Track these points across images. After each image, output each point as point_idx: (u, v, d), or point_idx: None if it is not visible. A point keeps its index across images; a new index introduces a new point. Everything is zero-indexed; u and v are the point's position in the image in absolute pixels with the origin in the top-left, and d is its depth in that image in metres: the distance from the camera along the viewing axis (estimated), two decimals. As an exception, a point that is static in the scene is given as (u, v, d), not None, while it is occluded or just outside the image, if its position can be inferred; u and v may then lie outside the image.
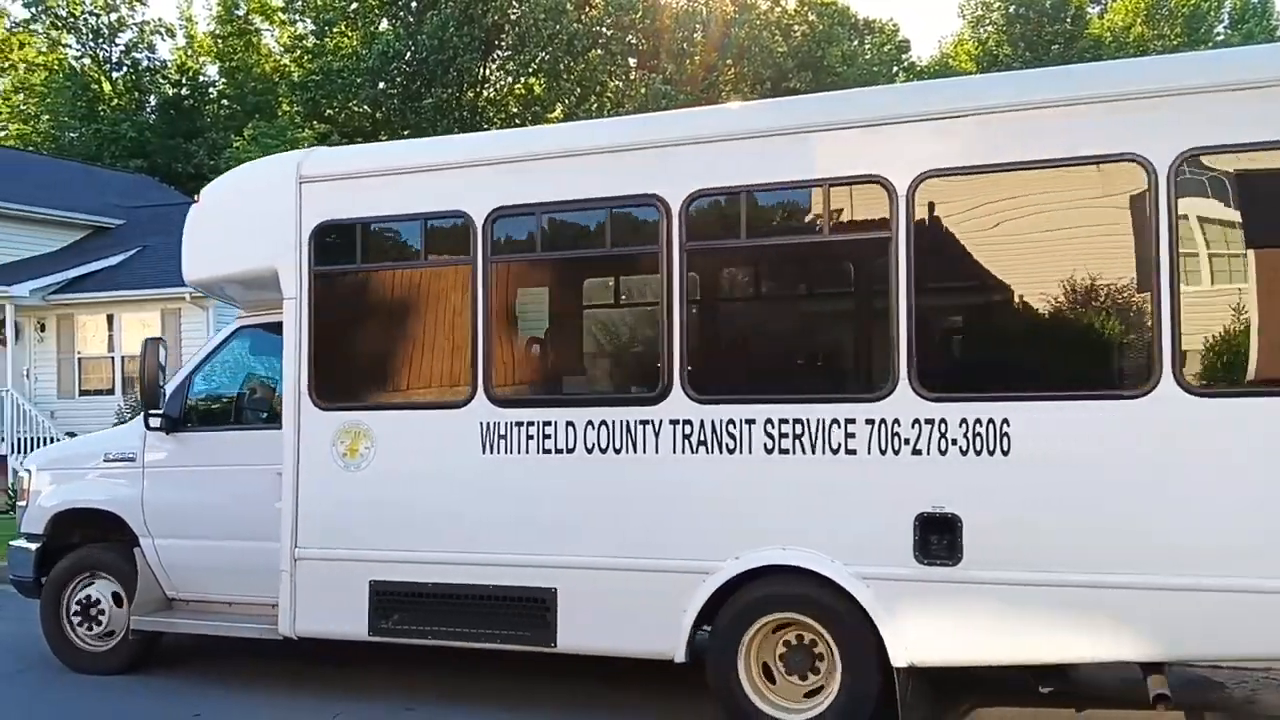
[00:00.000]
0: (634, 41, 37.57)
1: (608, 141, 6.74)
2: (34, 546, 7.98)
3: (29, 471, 8.36)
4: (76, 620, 7.84)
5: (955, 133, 5.81)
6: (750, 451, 6.01)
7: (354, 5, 37.91)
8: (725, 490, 6.07)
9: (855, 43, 43.87)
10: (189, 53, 43.58)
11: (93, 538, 7.92)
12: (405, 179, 6.99)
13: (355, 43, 37.69)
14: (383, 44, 35.23)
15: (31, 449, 18.56)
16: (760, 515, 6.01)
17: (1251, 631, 5.29)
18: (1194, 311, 5.36)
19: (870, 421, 5.77)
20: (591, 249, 6.86)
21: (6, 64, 45.66)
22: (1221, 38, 46.21)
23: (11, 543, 8.30)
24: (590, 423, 6.35)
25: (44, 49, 43.65)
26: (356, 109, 36.92)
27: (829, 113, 6.25)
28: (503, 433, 6.57)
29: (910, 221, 5.79)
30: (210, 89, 42.68)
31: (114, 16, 42.74)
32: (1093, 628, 5.46)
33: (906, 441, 5.71)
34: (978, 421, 5.58)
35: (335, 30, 38.80)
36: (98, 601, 7.79)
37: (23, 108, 44.45)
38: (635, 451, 6.25)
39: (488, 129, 37.23)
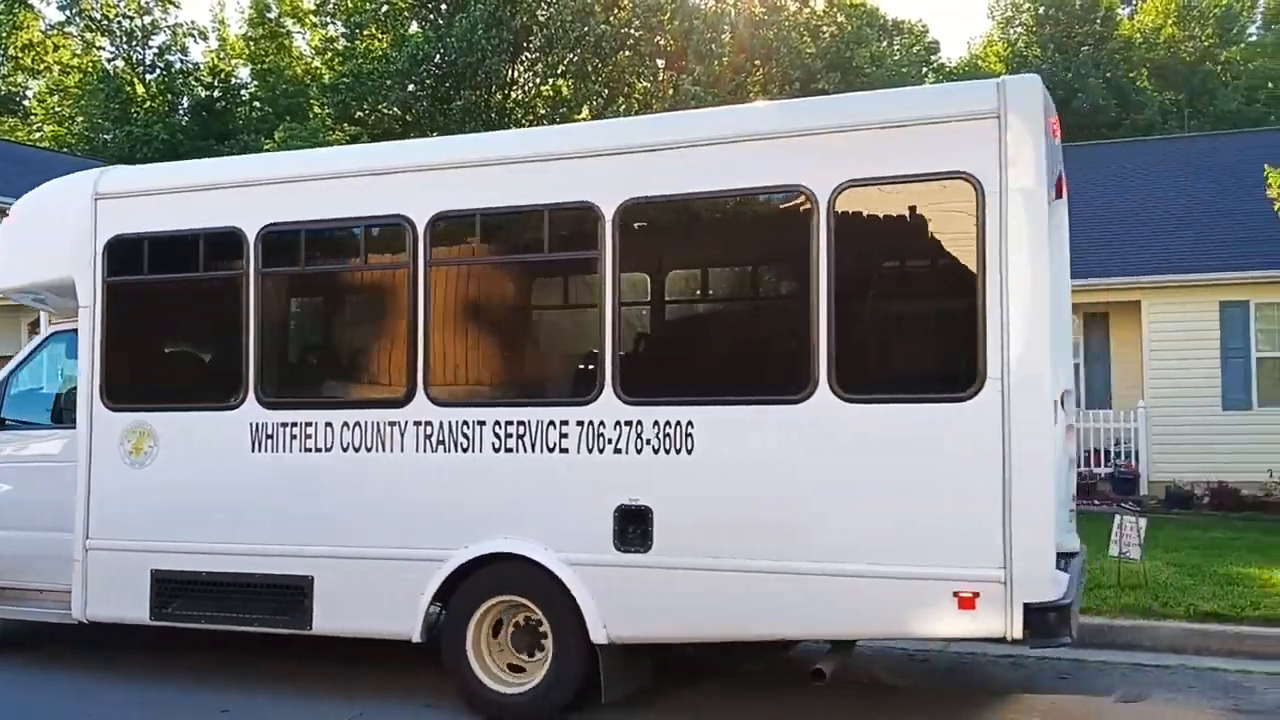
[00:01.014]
0: (662, 43, 37.67)
1: (359, 166, 7.40)
2: None
3: None
4: None
5: (656, 165, 6.46)
6: (481, 450, 6.67)
7: (384, 8, 38.18)
8: (460, 485, 6.69)
9: (884, 44, 43.72)
10: (221, 55, 44.00)
11: None
12: (188, 197, 7.62)
13: (385, 45, 37.97)
14: (412, 46, 35.47)
15: None
16: (488, 507, 6.64)
17: (894, 613, 5.91)
18: (848, 325, 6.01)
19: (580, 423, 6.44)
20: (347, 264, 7.66)
21: (42, 66, 46.30)
22: (1254, 38, 45.78)
23: None
24: (346, 424, 6.99)
25: (79, 51, 44.24)
26: (386, 111, 37.15)
27: (551, 145, 7.02)
28: (270, 433, 7.19)
29: (616, 243, 6.45)
30: (242, 91, 43.06)
31: (147, 19, 43.29)
32: (764, 609, 6.07)
33: (610, 441, 6.37)
34: (668, 424, 6.25)
35: (365, 33, 39.06)
36: None
37: (58, 110, 45.07)
38: (384, 451, 6.89)
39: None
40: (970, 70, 42.17)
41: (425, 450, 6.80)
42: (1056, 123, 6.71)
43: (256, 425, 7.21)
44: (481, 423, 6.68)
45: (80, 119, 42.18)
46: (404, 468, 6.83)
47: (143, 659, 8.22)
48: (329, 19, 41.26)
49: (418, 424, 6.82)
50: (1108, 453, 19.06)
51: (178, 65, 43.53)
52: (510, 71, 37.97)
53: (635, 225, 6.52)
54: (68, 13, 43.53)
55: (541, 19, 35.96)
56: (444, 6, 36.96)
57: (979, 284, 5.76)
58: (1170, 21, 44.63)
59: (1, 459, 8.29)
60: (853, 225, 6.05)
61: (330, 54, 40.87)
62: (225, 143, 37.80)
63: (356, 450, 6.97)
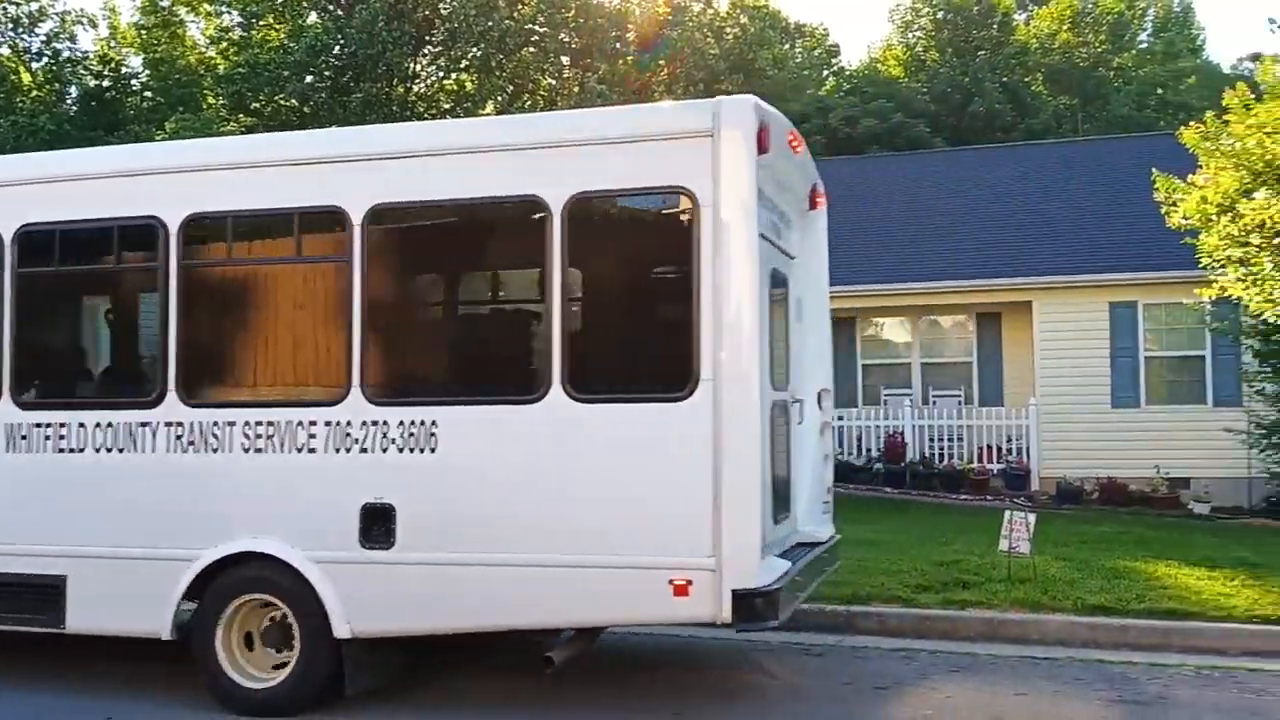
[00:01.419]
0: (566, 39, 37.39)
1: (115, 167, 7.61)
2: None
3: None
4: None
5: (403, 172, 6.74)
6: (231, 450, 6.89)
7: (282, -3, 37.25)
8: (210, 485, 6.93)
9: (786, 46, 44.13)
10: (112, 44, 42.57)
11: None
12: None
13: (283, 35, 37.05)
14: (311, 37, 34.62)
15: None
16: (238, 507, 6.89)
17: (617, 601, 6.23)
18: (579, 329, 6.33)
19: (329, 424, 6.72)
20: (101, 265, 7.77)
21: (-81, 52, 44.26)
22: (1145, 45, 47.25)
23: None
24: (99, 424, 7.18)
25: (-41, 37, 42.36)
26: (284, 103, 36.20)
27: (301, 150, 7.33)
28: (24, 433, 7.36)
29: (365, 247, 6.74)
30: (133, 81, 41.71)
31: (35, 5, 41.56)
32: (499, 601, 6.38)
33: (356, 441, 6.63)
34: (412, 423, 6.53)
35: (262, 23, 38.11)
36: None
37: (-63, 97, 43.10)
38: (136, 451, 7.09)
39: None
40: (870, 74, 42.76)
41: (176, 451, 7.01)
42: (796, 138, 7.16)
43: (11, 426, 7.39)
44: (231, 423, 6.92)
45: (-40, 107, 40.36)
46: (156, 468, 7.05)
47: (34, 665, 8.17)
48: (224, 8, 40.13)
49: (169, 424, 7.05)
50: (999, 449, 19.46)
51: (66, 54, 41.93)
52: (412, 65, 37.34)
53: (383, 230, 6.78)
54: (-53, -4, 41.62)
55: (444, 12, 35.40)
56: (344, -2, 36.19)
57: (693, 291, 6.12)
58: (1065, 27, 45.89)
59: None
60: (584, 235, 6.42)
61: (225, 44, 39.78)
62: (115, 133, 36.55)
63: (109, 451, 7.14)
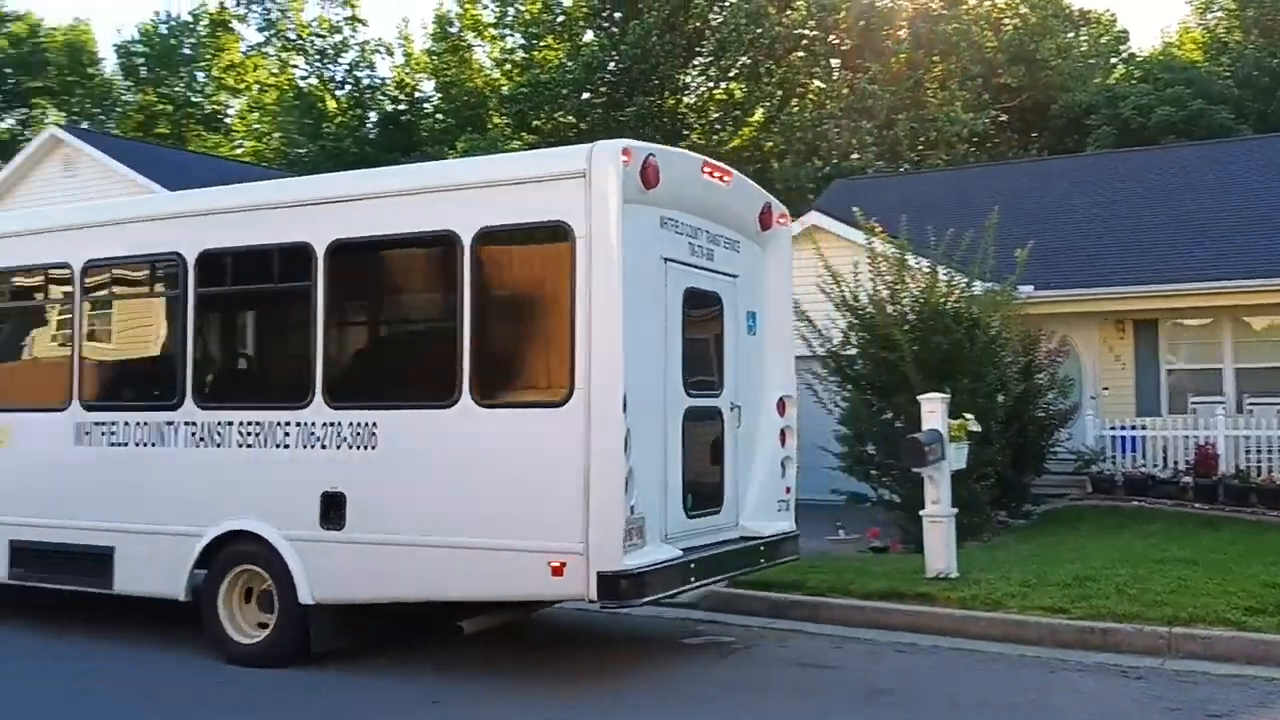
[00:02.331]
0: (836, 41, 37.10)
1: (139, 213, 9.31)
2: None
3: None
4: None
5: (354, 213, 7.93)
6: (229, 445, 8.15)
7: (560, 18, 38.82)
8: (215, 474, 8.17)
9: (1070, 35, 41.97)
10: (406, 70, 45.55)
11: None
12: (39, 239, 9.44)
13: (561, 55, 38.63)
14: (588, 55, 35.99)
15: None
16: (235, 492, 8.07)
17: (508, 578, 7.14)
18: (482, 345, 7.31)
19: (299, 424, 7.85)
20: (139, 294, 9.21)
21: (242, 85, 48.97)
22: None
23: None
24: (138, 423, 8.56)
25: (275, 71, 46.57)
26: (562, 119, 37.78)
27: (276, 196, 8.71)
28: (87, 430, 8.80)
29: (325, 276, 7.84)
30: (426, 104, 44.51)
31: (338, 38, 45.19)
32: (417, 575, 7.40)
33: (318, 439, 7.77)
34: (360, 424, 7.61)
35: (543, 43, 39.85)
36: None
37: (256, 127, 47.56)
38: (164, 445, 8.43)
39: (689, 135, 37.56)
40: (1166, 61, 39.99)
41: (191, 445, 8.31)
42: (718, 169, 8.18)
43: (79, 424, 8.83)
44: (230, 423, 8.15)
45: (278, 135, 44.36)
46: (177, 459, 8.35)
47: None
48: (508, 31, 42.22)
49: (187, 424, 8.34)
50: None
51: (366, 81, 45.29)
52: (683, 76, 38.07)
53: (339, 261, 7.85)
54: (266, 34, 45.85)
55: (714, 23, 35.91)
56: (618, 14, 37.29)
57: (570, 313, 6.98)
58: (1391, -1, 41.30)
59: None
60: (487, 264, 7.40)
61: (509, 65, 41.85)
62: (410, 155, 39.16)
63: (144, 445, 8.52)
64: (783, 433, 8.86)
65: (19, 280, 9.73)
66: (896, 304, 12.28)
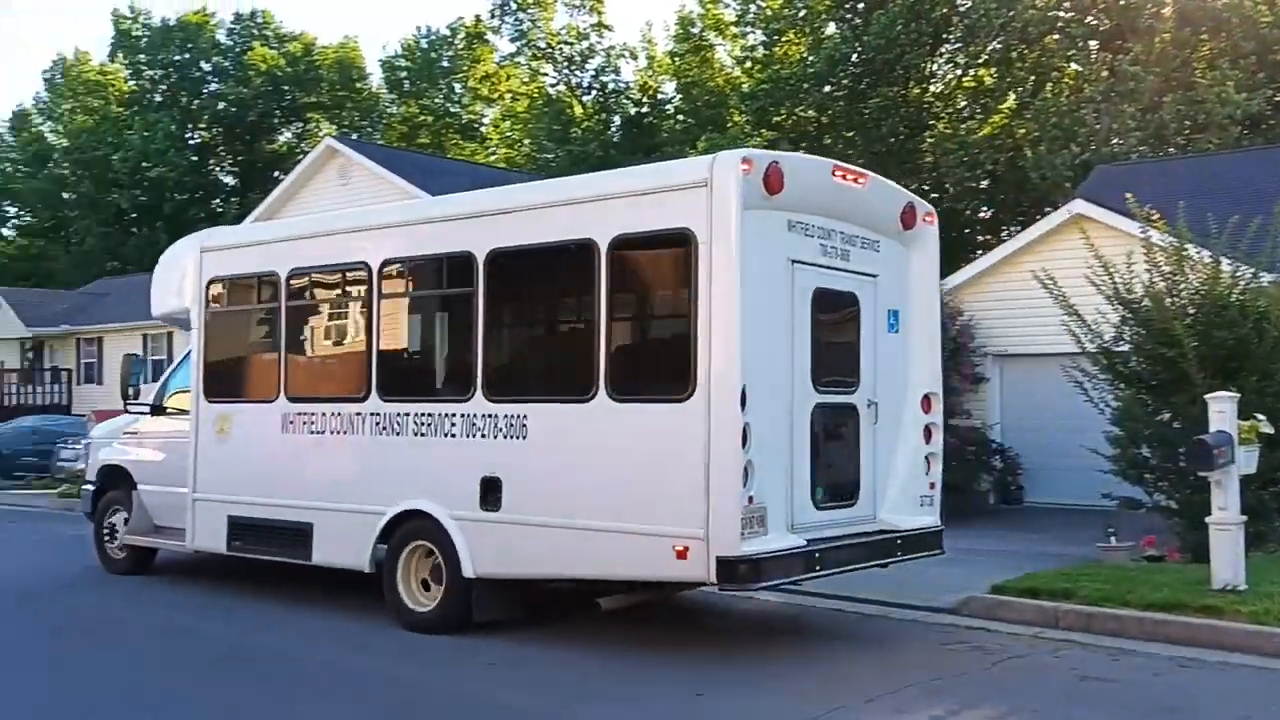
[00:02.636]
0: (1094, 22, 35.19)
1: (335, 227, 10.55)
2: (90, 489, 12.33)
3: (90, 440, 13.18)
4: (106, 538, 11.94)
5: (508, 224, 8.70)
6: (406, 434, 9.02)
7: (802, 12, 38.52)
8: (395, 459, 9.09)
9: (1362, 1, 38.17)
10: (649, 73, 46.35)
11: (119, 484, 11.87)
12: (255, 249, 10.75)
13: (803, 49, 38.35)
14: (830, 47, 35.56)
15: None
16: (410, 476, 8.94)
17: (638, 560, 7.70)
18: (617, 344, 7.97)
19: (463, 416, 8.65)
20: (330, 298, 10.19)
21: (496, 95, 51.18)
22: None
23: (83, 487, 12.95)
24: (332, 414, 9.58)
25: (526, 79, 48.40)
26: (802, 114, 37.51)
27: (445, 210, 9.67)
28: (291, 419, 9.86)
29: (485, 282, 8.62)
30: (667, 106, 45.16)
31: (585, 44, 46.51)
32: (561, 554, 8.07)
33: (478, 429, 8.53)
34: (513, 417, 8.34)
35: (784, 39, 39.67)
36: (115, 526, 11.83)
37: (509, 134, 49.57)
38: (354, 433, 9.40)
39: (935, 125, 36.54)
40: None
41: (375, 434, 9.22)
42: (851, 172, 8.44)
43: (284, 414, 9.90)
44: (407, 414, 9.04)
45: (527, 141, 46.07)
46: (364, 446, 9.29)
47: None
48: (749, 28, 42.25)
49: (373, 415, 9.26)
50: None
51: (611, 85, 46.39)
52: (929, 65, 37.06)
53: (496, 268, 8.59)
54: (518, 44, 47.69)
55: (962, 8, 34.77)
56: (861, 5, 36.67)
57: (692, 314, 7.45)
58: None
59: (159, 436, 11.51)
60: (621, 269, 7.99)
61: (750, 62, 41.90)
62: (652, 156, 39.86)
63: (337, 433, 9.50)
64: (927, 429, 8.97)
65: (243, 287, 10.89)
66: (1174, 296, 11.54)
